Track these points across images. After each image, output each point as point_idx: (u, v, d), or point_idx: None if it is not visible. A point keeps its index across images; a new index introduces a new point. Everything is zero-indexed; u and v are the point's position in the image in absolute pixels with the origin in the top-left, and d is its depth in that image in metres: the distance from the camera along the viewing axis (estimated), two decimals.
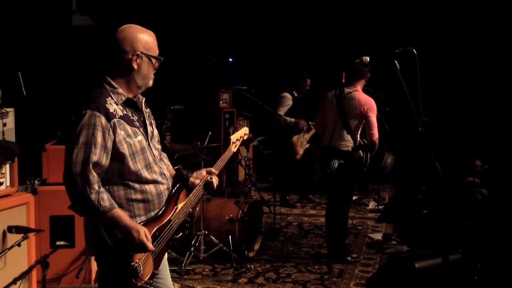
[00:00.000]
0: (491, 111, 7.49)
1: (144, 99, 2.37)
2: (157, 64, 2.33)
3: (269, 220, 5.97)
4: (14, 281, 3.31)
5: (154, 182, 2.27)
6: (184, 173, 2.48)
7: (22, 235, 3.29)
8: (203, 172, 2.51)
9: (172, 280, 4.34)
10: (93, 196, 2.06)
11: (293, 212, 6.93)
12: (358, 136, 4.66)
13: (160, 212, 2.29)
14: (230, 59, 9.22)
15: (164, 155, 2.53)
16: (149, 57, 2.28)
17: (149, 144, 2.30)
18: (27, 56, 5.20)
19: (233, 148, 2.73)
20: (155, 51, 2.32)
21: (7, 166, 3.48)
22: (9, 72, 4.08)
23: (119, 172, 2.19)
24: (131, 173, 2.20)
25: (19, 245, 3.27)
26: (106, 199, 2.10)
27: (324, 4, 8.16)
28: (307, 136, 6.71)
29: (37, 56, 5.36)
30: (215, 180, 2.50)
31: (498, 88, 7.45)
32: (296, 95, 6.86)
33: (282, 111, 6.67)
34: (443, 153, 3.63)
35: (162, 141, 5.50)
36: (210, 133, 5.36)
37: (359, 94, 4.61)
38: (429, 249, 3.42)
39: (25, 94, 4.05)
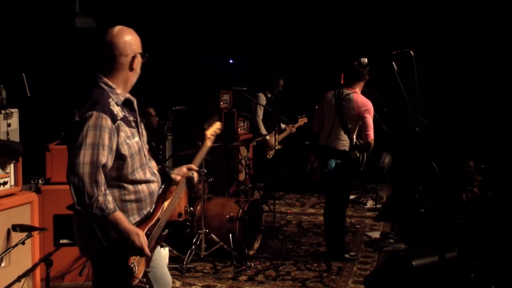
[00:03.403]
0: (488, 112, 7.54)
1: (135, 100, 2.40)
2: (144, 59, 2.39)
3: (269, 219, 6.02)
4: (19, 279, 3.33)
5: (147, 181, 2.32)
6: (167, 171, 2.53)
7: (26, 233, 3.32)
8: (184, 168, 2.57)
9: (173, 278, 4.42)
10: (101, 198, 2.08)
11: (293, 211, 6.99)
12: (355, 137, 4.73)
13: (151, 211, 2.33)
14: (231, 61, 9.26)
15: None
16: (141, 55, 2.35)
17: (142, 145, 2.35)
18: (31, 57, 5.24)
19: (209, 143, 2.81)
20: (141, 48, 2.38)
21: (12, 165, 3.52)
22: (14, 73, 4.12)
23: (117, 174, 2.21)
24: (127, 174, 2.23)
25: (23, 243, 3.30)
26: (111, 202, 2.12)
27: (323, 5, 8.20)
28: (279, 137, 6.75)
29: (41, 57, 5.40)
30: (195, 175, 2.58)
31: (495, 89, 7.49)
32: (269, 96, 6.92)
33: (260, 111, 6.78)
34: (440, 153, 3.67)
35: (163, 141, 5.55)
36: None
37: (357, 96, 4.68)
38: (426, 247, 3.46)
39: (29, 95, 4.10)
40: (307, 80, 8.30)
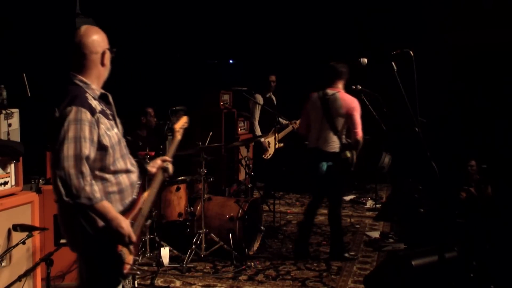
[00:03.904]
0: (487, 112, 7.56)
1: (110, 95, 2.49)
2: (113, 54, 2.49)
3: (269, 219, 6.03)
4: (19, 279, 3.34)
5: (127, 171, 2.40)
6: (143, 163, 2.65)
7: (26, 233, 3.33)
8: (158, 161, 2.69)
9: (174, 278, 4.44)
10: (87, 188, 2.15)
11: (293, 211, 7.00)
12: (344, 136, 4.74)
13: (133, 201, 2.42)
14: (231, 61, 9.29)
15: None
16: (110, 50, 2.45)
17: (121, 136, 2.44)
18: (32, 58, 5.25)
19: (179, 136, 2.96)
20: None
21: (12, 165, 3.53)
22: (14, 73, 4.13)
23: (100, 165, 2.29)
24: (110, 164, 2.31)
25: (24, 243, 3.33)
26: (97, 191, 2.20)
27: (323, 6, 8.22)
28: (281, 134, 6.77)
29: (41, 58, 5.39)
30: (170, 166, 2.70)
31: (494, 89, 7.51)
32: (267, 95, 6.97)
33: (257, 111, 6.84)
34: (439, 153, 3.69)
35: (164, 140, 5.56)
36: (211, 133, 5.42)
37: (343, 95, 4.70)
38: (426, 247, 3.48)
39: (29, 95, 4.11)
40: (309, 78, 8.31)
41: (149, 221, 2.49)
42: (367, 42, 7.77)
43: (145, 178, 2.55)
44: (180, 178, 5.06)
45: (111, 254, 2.28)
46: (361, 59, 4.05)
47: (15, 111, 4.03)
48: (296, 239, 5.12)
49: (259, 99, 6.87)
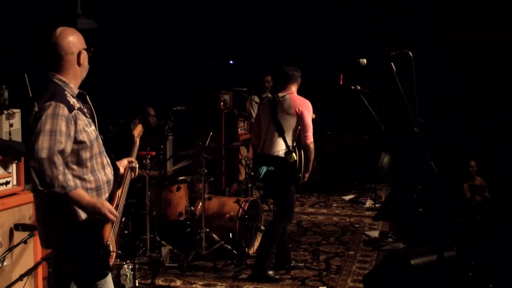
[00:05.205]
0: (487, 112, 7.58)
1: (87, 95, 2.56)
2: (90, 54, 2.56)
3: (269, 218, 6.04)
4: (21, 278, 3.36)
5: (104, 168, 2.49)
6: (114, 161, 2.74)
7: (28, 232, 3.35)
8: (124, 161, 2.79)
9: (174, 277, 4.46)
10: (61, 177, 2.21)
11: None
12: (294, 141, 4.35)
13: (109, 197, 2.49)
14: (231, 61, 9.31)
15: None
16: (86, 50, 2.52)
17: (98, 134, 2.52)
18: (33, 58, 5.27)
19: (137, 142, 3.10)
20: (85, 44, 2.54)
21: (14, 165, 3.54)
22: (16, 74, 4.16)
23: (77, 160, 2.36)
24: (87, 160, 2.39)
25: (25, 242, 3.35)
26: (71, 179, 2.27)
27: (323, 6, 8.24)
28: None
29: (42, 58, 5.42)
30: (136, 166, 2.85)
31: (494, 90, 7.53)
32: (263, 96, 7.02)
33: (253, 113, 6.92)
34: (439, 153, 3.71)
35: (164, 140, 5.58)
36: (211, 133, 5.44)
37: (294, 96, 4.38)
38: (425, 246, 3.49)
39: (31, 95, 4.14)
40: (309, 78, 8.33)
41: (123, 219, 2.62)
42: (366, 42, 7.79)
43: (118, 175, 2.65)
44: (181, 178, 5.09)
45: (98, 244, 2.35)
46: (361, 60, 4.04)
47: (17, 111, 4.06)
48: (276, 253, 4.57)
49: (257, 100, 6.92)
